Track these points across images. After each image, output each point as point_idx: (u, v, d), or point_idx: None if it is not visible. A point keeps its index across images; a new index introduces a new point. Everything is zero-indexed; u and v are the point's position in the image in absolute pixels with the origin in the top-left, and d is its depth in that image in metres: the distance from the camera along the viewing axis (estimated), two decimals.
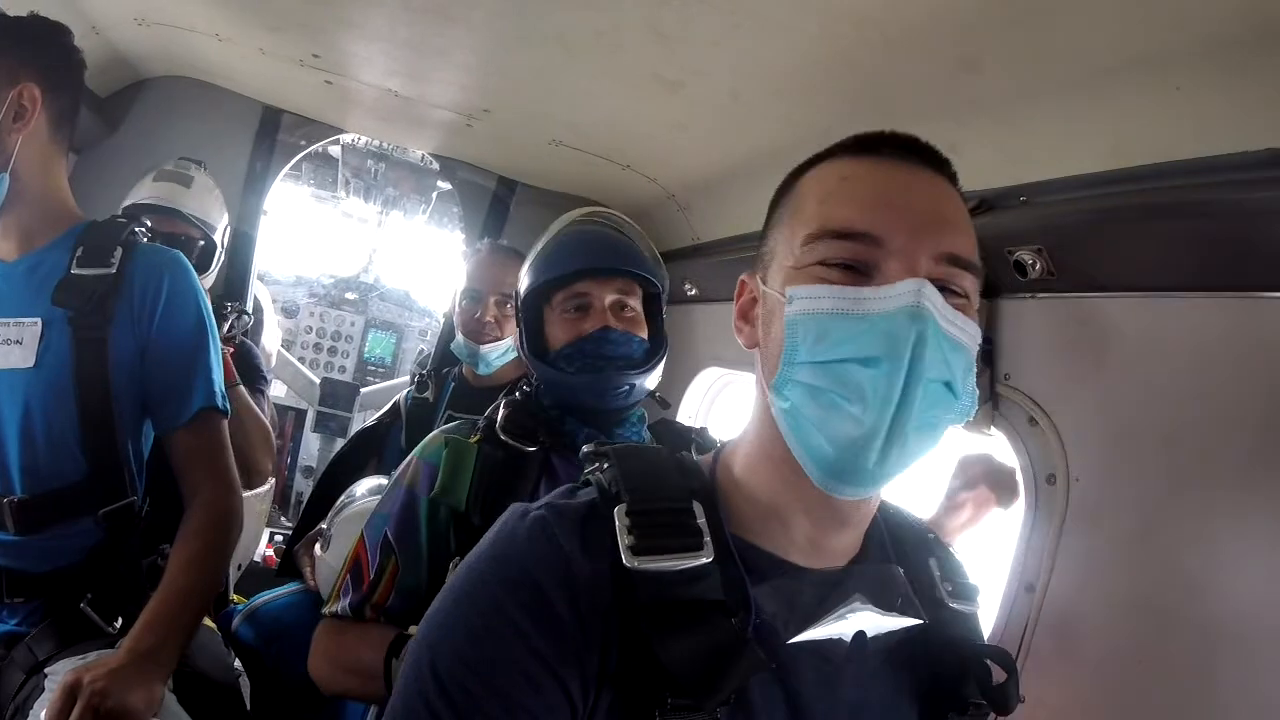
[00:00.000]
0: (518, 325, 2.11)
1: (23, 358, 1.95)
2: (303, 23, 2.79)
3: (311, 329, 6.58)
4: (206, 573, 2.03)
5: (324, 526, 2.67)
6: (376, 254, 6.71)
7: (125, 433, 2.07)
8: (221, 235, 3.28)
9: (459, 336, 3.20)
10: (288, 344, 6.36)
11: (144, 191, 3.20)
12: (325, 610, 1.94)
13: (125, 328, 2.03)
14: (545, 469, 1.96)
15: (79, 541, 2.05)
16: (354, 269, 6.72)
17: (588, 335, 1.96)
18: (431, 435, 2.05)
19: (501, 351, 3.13)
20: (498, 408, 2.04)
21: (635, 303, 2.05)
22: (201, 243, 3.19)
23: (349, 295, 6.67)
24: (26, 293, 2.00)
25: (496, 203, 4.27)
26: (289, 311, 6.47)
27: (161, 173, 3.24)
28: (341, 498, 2.78)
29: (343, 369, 6.61)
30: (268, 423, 3.22)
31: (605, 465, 1.16)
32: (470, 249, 3.34)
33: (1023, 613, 1.86)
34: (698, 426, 2.24)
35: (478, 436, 1.99)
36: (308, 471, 5.87)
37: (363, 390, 6.02)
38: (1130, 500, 1.70)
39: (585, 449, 1.22)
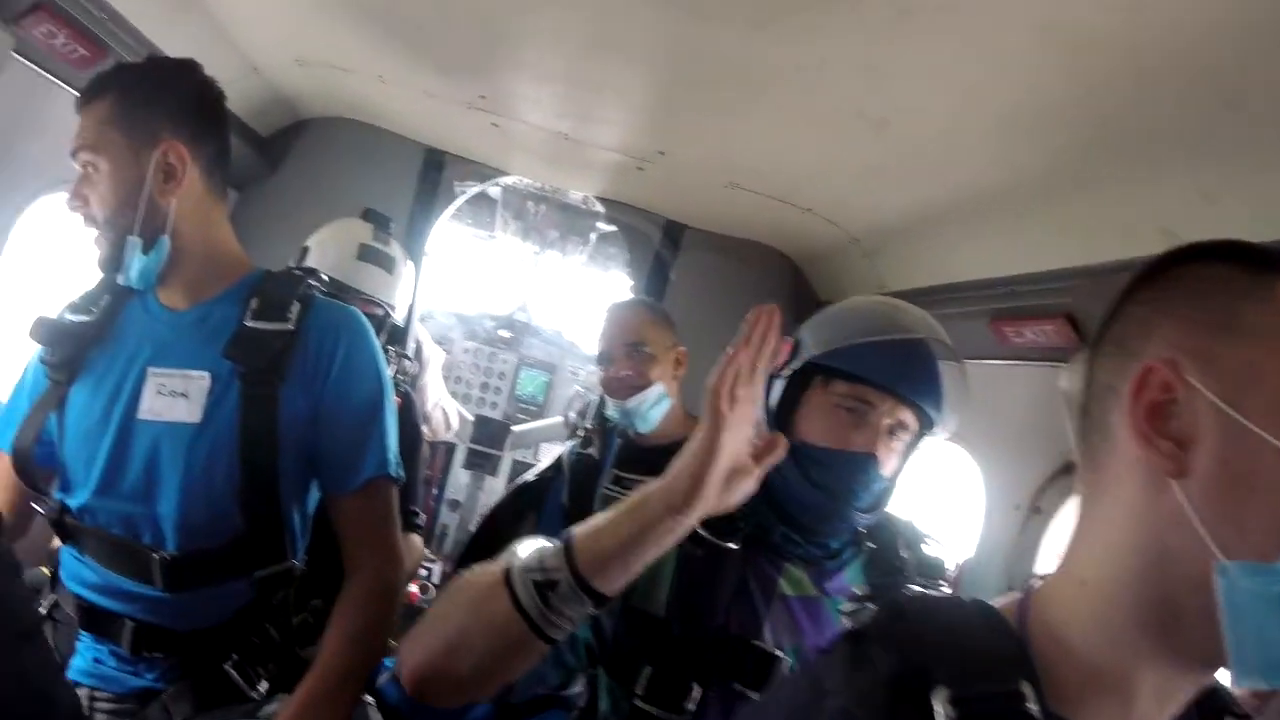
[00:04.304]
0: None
1: (189, 412, 1.89)
2: (472, 65, 2.75)
3: (464, 365, 6.58)
4: (368, 651, 1.93)
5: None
6: (532, 293, 6.68)
7: (289, 494, 1.99)
8: (407, 313, 3.25)
9: (607, 401, 3.09)
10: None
11: (335, 260, 3.13)
12: None
13: (298, 386, 1.94)
14: (745, 569, 1.74)
15: (228, 602, 1.97)
16: (509, 307, 6.70)
17: (847, 455, 1.68)
18: None
19: (653, 402, 2.98)
20: None
21: (909, 436, 1.75)
22: (391, 320, 3.18)
23: (503, 333, 6.62)
24: (195, 344, 1.94)
25: (664, 246, 4.17)
26: (444, 346, 6.46)
27: (364, 251, 3.15)
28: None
29: (494, 405, 6.52)
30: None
31: (895, 621, 0.94)
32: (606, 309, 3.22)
33: None
34: (904, 519, 1.93)
35: None
36: (454, 505, 5.80)
37: (514, 429, 5.97)
38: None
39: (857, 592, 1.00)
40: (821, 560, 1.77)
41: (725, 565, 1.71)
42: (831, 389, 1.72)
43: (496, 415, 6.37)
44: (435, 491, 5.96)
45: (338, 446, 1.99)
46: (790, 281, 4.11)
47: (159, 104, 1.91)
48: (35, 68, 2.37)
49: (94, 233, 1.92)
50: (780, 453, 1.35)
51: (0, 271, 2.62)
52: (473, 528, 5.53)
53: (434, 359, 4.43)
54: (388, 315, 3.18)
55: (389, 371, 3.10)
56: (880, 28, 1.75)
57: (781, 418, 1.76)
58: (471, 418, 5.70)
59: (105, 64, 2.34)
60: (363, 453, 2.00)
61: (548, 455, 5.95)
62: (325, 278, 3.00)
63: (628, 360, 2.98)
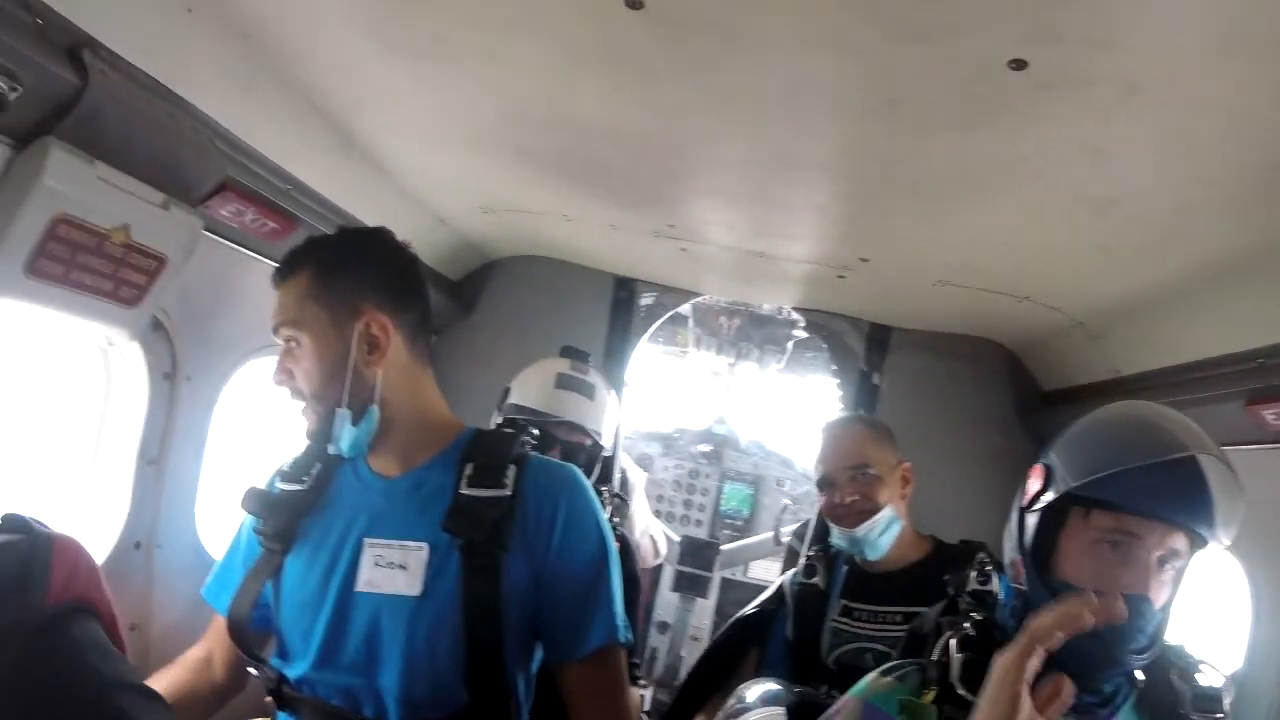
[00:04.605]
0: (1021, 523, 1.67)
1: (408, 584, 1.85)
2: (659, 196, 2.70)
3: (666, 483, 6.50)
4: None
5: None
6: (730, 405, 6.58)
7: (514, 664, 1.90)
8: (613, 440, 3.16)
9: (832, 528, 2.90)
10: None
11: (538, 393, 3.10)
12: None
13: (520, 554, 1.87)
14: None
15: None
16: (706, 421, 6.62)
17: (1122, 597, 1.44)
18: (875, 679, 1.70)
19: (882, 528, 2.78)
20: (946, 650, 1.64)
21: (1180, 562, 1.55)
22: (594, 449, 3.09)
23: (703, 447, 6.55)
24: (410, 513, 1.90)
25: (869, 350, 3.98)
26: (643, 465, 6.42)
27: (562, 379, 3.12)
28: (731, 700, 2.50)
29: (699, 523, 6.45)
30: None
31: None
32: (821, 428, 3.04)
33: None
34: (1175, 645, 1.67)
35: (932, 695, 1.60)
36: (662, 627, 5.68)
37: (722, 548, 5.81)
38: None
39: None
40: (1095, 708, 1.59)
41: None
42: (1092, 522, 1.54)
43: (701, 533, 6.30)
44: (643, 613, 5.84)
45: (564, 614, 1.92)
46: (1008, 372, 3.88)
47: (357, 275, 1.92)
48: (229, 244, 2.44)
49: (301, 405, 1.92)
50: (1065, 701, 1.22)
51: (211, 437, 2.69)
52: (684, 651, 5.56)
53: (638, 484, 4.35)
54: (596, 444, 3.09)
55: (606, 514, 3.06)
56: (1108, 108, 1.63)
57: (1038, 555, 1.60)
58: (677, 539, 5.60)
59: (297, 234, 2.39)
60: (590, 619, 1.92)
61: (756, 570, 5.88)
62: (529, 410, 2.97)
63: (852, 485, 2.80)
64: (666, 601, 5.67)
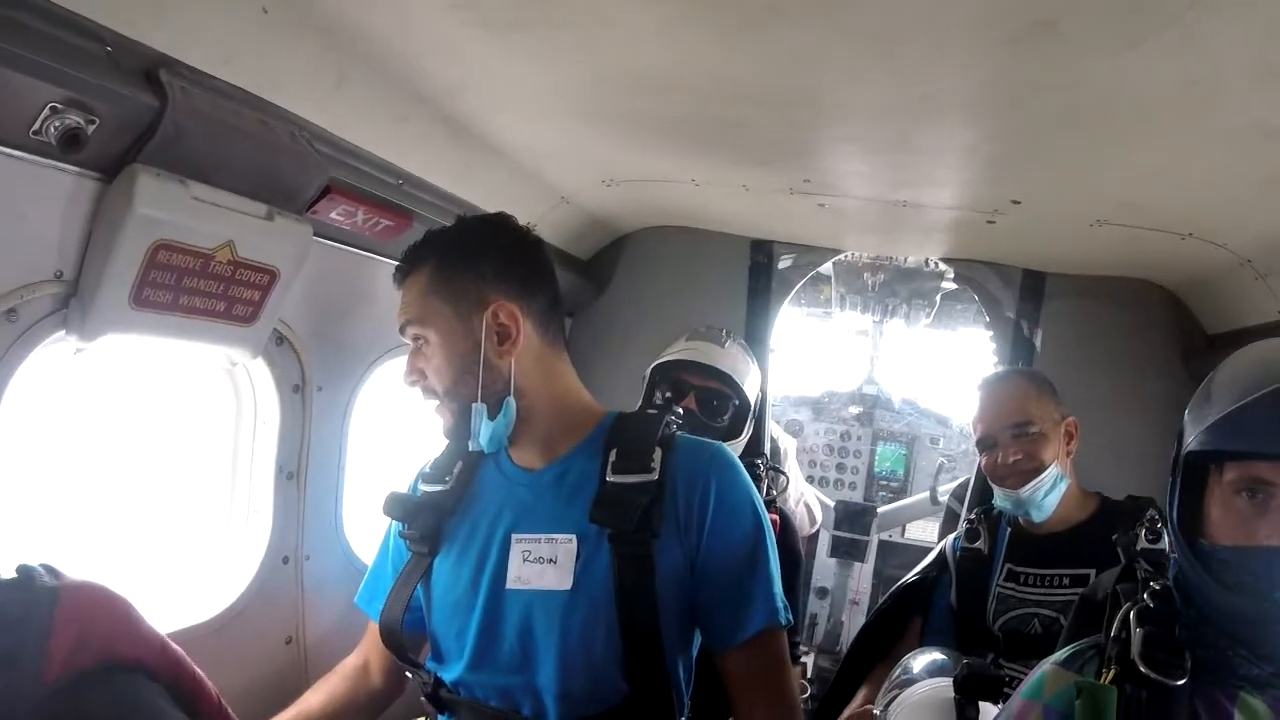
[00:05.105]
0: (1171, 488, 1.59)
1: (558, 579, 1.81)
2: (791, 151, 2.54)
3: (818, 448, 6.36)
4: None
5: (875, 711, 2.40)
6: (879, 364, 6.39)
7: (673, 652, 1.87)
8: (755, 402, 3.05)
9: (994, 489, 2.79)
10: None
11: (674, 352, 3.06)
12: None
13: (672, 539, 1.83)
14: (1194, 704, 1.48)
15: None
16: (855, 382, 6.44)
17: (1257, 548, 1.42)
18: (1047, 670, 1.61)
19: (1048, 488, 2.68)
20: (1125, 625, 1.54)
21: None
22: (735, 403, 2.98)
23: (853, 409, 6.39)
24: (557, 505, 1.87)
25: (1023, 298, 3.74)
26: (792, 431, 6.31)
27: (694, 333, 3.09)
28: (896, 670, 2.48)
29: (853, 485, 6.38)
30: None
31: None
32: (978, 385, 2.91)
33: None
34: None
35: (1111, 674, 1.50)
36: (822, 593, 5.63)
37: (879, 510, 5.65)
38: None
39: None
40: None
41: (1173, 704, 1.47)
42: (1224, 476, 1.48)
43: (856, 496, 6.29)
44: (802, 581, 5.77)
45: (721, 598, 1.88)
46: (1171, 316, 3.61)
47: (479, 265, 1.88)
48: (345, 247, 2.40)
49: (434, 403, 1.91)
50: None
51: (350, 445, 2.68)
52: (844, 617, 5.54)
53: (789, 451, 4.23)
54: (740, 400, 2.97)
55: (763, 487, 2.94)
56: None
57: (1185, 520, 1.54)
58: (832, 503, 5.51)
59: (414, 229, 2.32)
60: (749, 603, 1.87)
61: (914, 530, 5.73)
62: (661, 367, 2.95)
63: (1015, 444, 2.71)
64: (824, 567, 5.63)
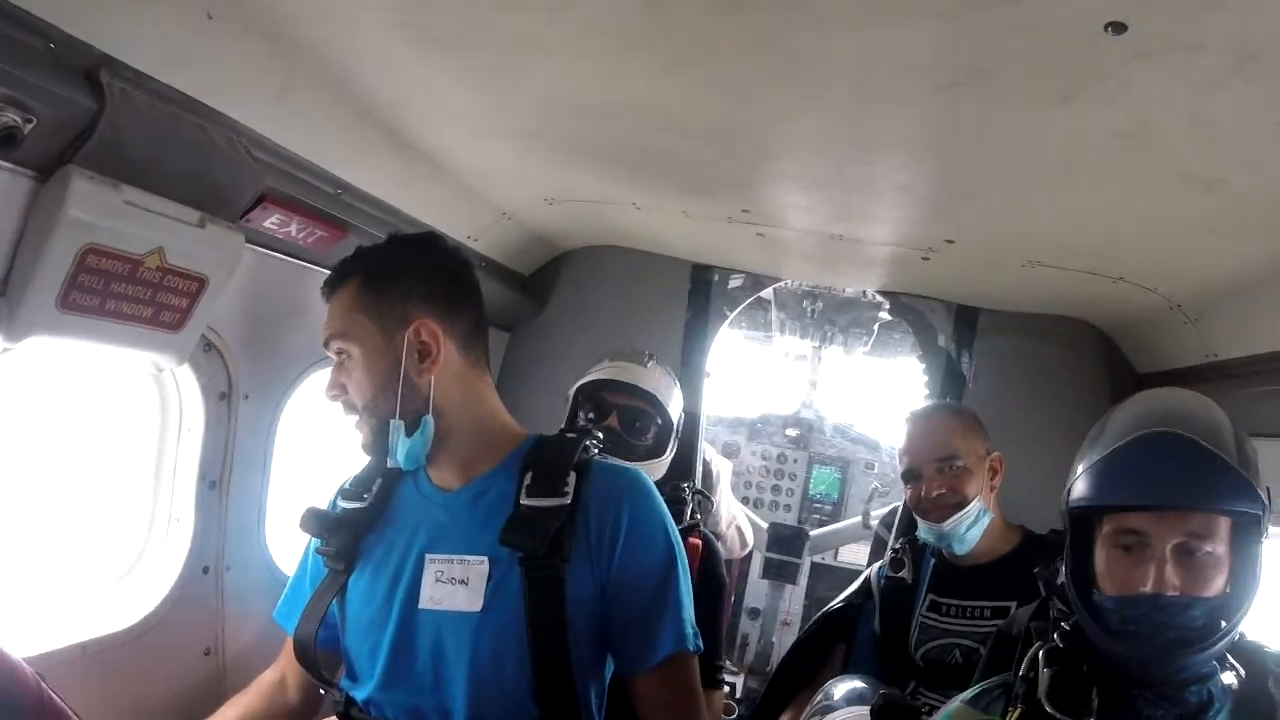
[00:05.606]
0: (1066, 550, 1.67)
1: (469, 600, 1.81)
2: (731, 182, 2.58)
3: (754, 469, 6.39)
4: None
5: None
6: (815, 388, 6.44)
7: (584, 677, 1.88)
8: (677, 422, 3.05)
9: (919, 521, 2.81)
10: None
11: (596, 371, 3.04)
12: None
13: (584, 564, 1.83)
14: None
15: None
16: (792, 405, 6.48)
17: (1134, 598, 1.52)
18: (955, 708, 1.71)
19: (971, 521, 2.70)
20: (1034, 664, 1.62)
21: (1212, 544, 1.52)
22: (658, 422, 2.97)
23: (789, 432, 6.42)
24: (471, 526, 1.88)
25: (959, 333, 3.81)
26: (728, 453, 6.33)
27: (617, 354, 3.09)
28: (818, 697, 2.53)
29: (788, 508, 6.36)
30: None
31: None
32: (906, 418, 2.94)
33: None
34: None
35: (1017, 713, 1.59)
36: (753, 614, 5.65)
37: (811, 534, 5.69)
38: None
39: None
40: (1183, 694, 1.57)
41: None
42: (1103, 530, 1.59)
43: (790, 519, 6.27)
44: (731, 599, 5.77)
45: (631, 623, 1.88)
46: (1102, 355, 3.70)
47: (404, 283, 1.89)
48: (280, 256, 2.36)
49: (354, 418, 1.90)
50: None
51: (276, 455, 2.65)
52: (775, 638, 5.55)
53: (723, 473, 4.25)
54: (661, 418, 2.95)
55: (688, 511, 2.95)
56: (1218, 79, 1.47)
57: (1081, 570, 1.63)
58: (765, 525, 5.51)
59: (350, 241, 2.31)
60: (658, 628, 1.87)
61: (846, 554, 5.76)
62: (582, 389, 2.93)
63: (939, 477, 2.74)
64: (756, 588, 5.64)
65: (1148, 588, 1.49)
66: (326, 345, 1.89)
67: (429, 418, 1.86)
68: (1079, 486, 1.59)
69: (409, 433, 1.85)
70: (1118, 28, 1.33)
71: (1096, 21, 1.32)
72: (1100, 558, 1.58)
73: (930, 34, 1.45)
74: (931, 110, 1.77)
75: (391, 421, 1.84)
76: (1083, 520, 1.62)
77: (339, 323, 1.87)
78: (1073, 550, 1.63)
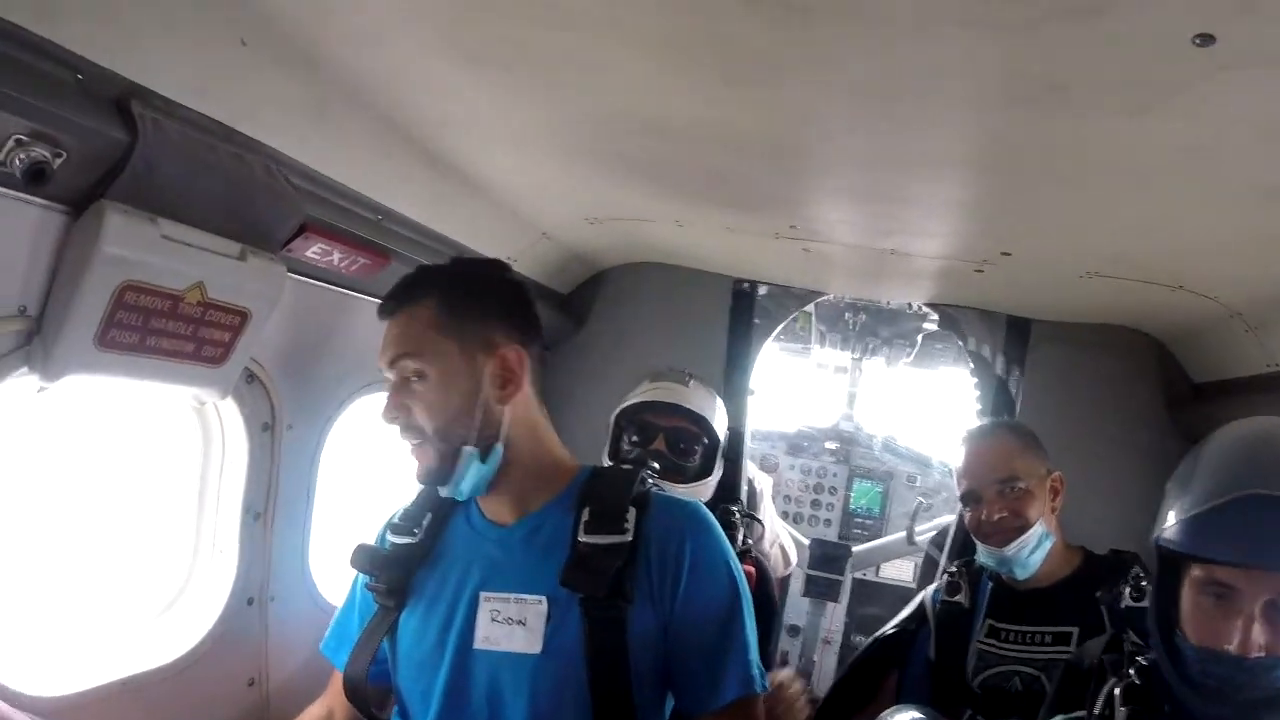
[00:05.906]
0: (1152, 588, 1.67)
1: (527, 642, 1.77)
2: (776, 198, 2.53)
3: (793, 484, 6.30)
4: None
5: None
6: (856, 401, 6.35)
7: (646, 715, 1.82)
8: (724, 439, 3.02)
9: (979, 546, 2.71)
10: None
11: (638, 395, 3.02)
12: None
13: (645, 603, 1.79)
14: None
15: None
16: (832, 418, 6.39)
17: (1217, 654, 1.48)
18: None
19: (1033, 546, 2.60)
20: (1109, 702, 1.60)
21: None
22: (705, 441, 2.94)
23: (829, 445, 6.32)
24: (527, 564, 1.83)
25: (1009, 344, 3.74)
26: (768, 467, 6.25)
27: (657, 375, 3.08)
28: None
29: (828, 522, 6.24)
30: None
31: None
32: (963, 438, 2.86)
33: None
34: None
35: None
36: (793, 631, 5.57)
37: (855, 550, 5.60)
38: None
39: None
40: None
41: None
42: (1191, 576, 1.54)
43: (831, 534, 6.17)
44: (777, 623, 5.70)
45: (695, 664, 1.83)
46: (1156, 364, 3.60)
47: (484, 306, 1.85)
48: (322, 285, 2.32)
49: (415, 443, 1.81)
50: None
51: (320, 485, 2.62)
52: (816, 655, 5.47)
53: (765, 490, 4.18)
54: (709, 437, 2.94)
55: (739, 536, 2.89)
56: None
57: (1165, 608, 1.60)
58: (807, 542, 5.45)
59: (393, 267, 2.27)
60: (724, 669, 1.82)
61: (888, 569, 5.67)
62: (625, 412, 2.92)
63: (1000, 500, 2.63)
64: (797, 605, 5.55)
65: (1233, 647, 1.46)
66: (393, 364, 1.80)
67: (499, 446, 1.81)
68: (1172, 532, 1.54)
69: (480, 461, 1.80)
70: (1206, 39, 1.27)
71: (1185, 33, 1.26)
72: (1187, 601, 1.54)
73: (1005, 47, 1.39)
74: (999, 124, 1.71)
75: (465, 449, 1.78)
76: (1171, 560, 1.57)
77: (413, 342, 1.79)
78: (1159, 588, 1.59)
